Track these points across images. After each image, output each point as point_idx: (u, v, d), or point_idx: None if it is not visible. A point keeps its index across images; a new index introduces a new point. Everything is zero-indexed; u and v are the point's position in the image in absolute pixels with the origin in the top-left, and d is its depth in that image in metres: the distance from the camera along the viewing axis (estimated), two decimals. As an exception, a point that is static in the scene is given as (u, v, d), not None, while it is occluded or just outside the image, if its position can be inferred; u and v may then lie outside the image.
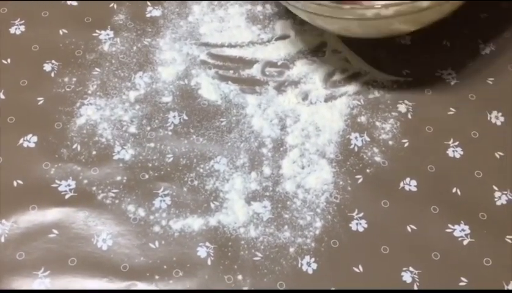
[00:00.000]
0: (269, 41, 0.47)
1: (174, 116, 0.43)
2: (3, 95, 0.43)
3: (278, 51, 0.46)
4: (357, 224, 0.39)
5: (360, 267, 0.37)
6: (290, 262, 0.37)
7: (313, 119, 0.43)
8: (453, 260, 0.38)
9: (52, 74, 0.45)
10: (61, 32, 0.47)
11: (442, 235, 0.39)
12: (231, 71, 0.46)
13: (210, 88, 0.45)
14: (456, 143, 0.42)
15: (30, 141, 0.42)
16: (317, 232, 0.39)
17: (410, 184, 0.40)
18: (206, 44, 0.47)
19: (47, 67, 0.45)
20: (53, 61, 0.45)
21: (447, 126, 0.43)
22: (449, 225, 0.39)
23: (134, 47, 0.46)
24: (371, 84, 0.45)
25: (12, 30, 0.47)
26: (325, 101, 0.44)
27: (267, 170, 0.41)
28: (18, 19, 0.47)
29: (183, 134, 0.42)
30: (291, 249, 0.38)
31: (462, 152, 0.42)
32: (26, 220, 0.38)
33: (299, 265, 0.37)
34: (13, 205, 0.39)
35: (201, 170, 0.41)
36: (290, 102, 0.44)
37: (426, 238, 0.38)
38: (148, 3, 0.48)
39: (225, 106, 0.44)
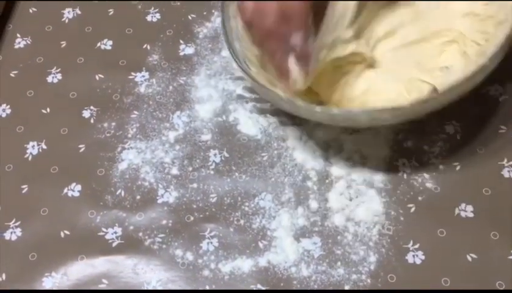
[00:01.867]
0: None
1: (215, 154, 0.43)
2: (45, 145, 0.44)
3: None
4: (413, 256, 0.37)
5: (421, 302, 0.36)
6: (346, 301, 0.36)
7: (357, 148, 0.42)
8: (519, 289, 0.36)
9: (92, 120, 0.45)
10: (97, 77, 0.47)
11: (505, 263, 0.36)
12: (269, 104, 0.45)
13: (249, 123, 0.44)
14: (511, 163, 0.40)
15: (74, 190, 0.42)
16: (372, 267, 0.37)
17: (466, 210, 0.39)
18: (242, 78, 0.46)
19: (86, 113, 0.45)
20: (91, 107, 0.45)
21: (499, 145, 0.41)
22: (512, 251, 0.37)
23: (170, 87, 0.46)
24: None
25: (49, 79, 0.47)
26: (369, 127, 0.43)
27: (314, 204, 0.40)
28: (54, 68, 0.48)
29: (225, 172, 0.42)
30: (346, 287, 0.36)
31: (518, 172, 0.40)
32: (76, 271, 0.38)
33: (356, 304, 0.36)
34: (62, 256, 0.39)
35: (246, 208, 0.40)
36: (332, 131, 0.43)
37: (488, 266, 0.36)
38: (181, 40, 0.48)
39: (265, 140, 0.43)
